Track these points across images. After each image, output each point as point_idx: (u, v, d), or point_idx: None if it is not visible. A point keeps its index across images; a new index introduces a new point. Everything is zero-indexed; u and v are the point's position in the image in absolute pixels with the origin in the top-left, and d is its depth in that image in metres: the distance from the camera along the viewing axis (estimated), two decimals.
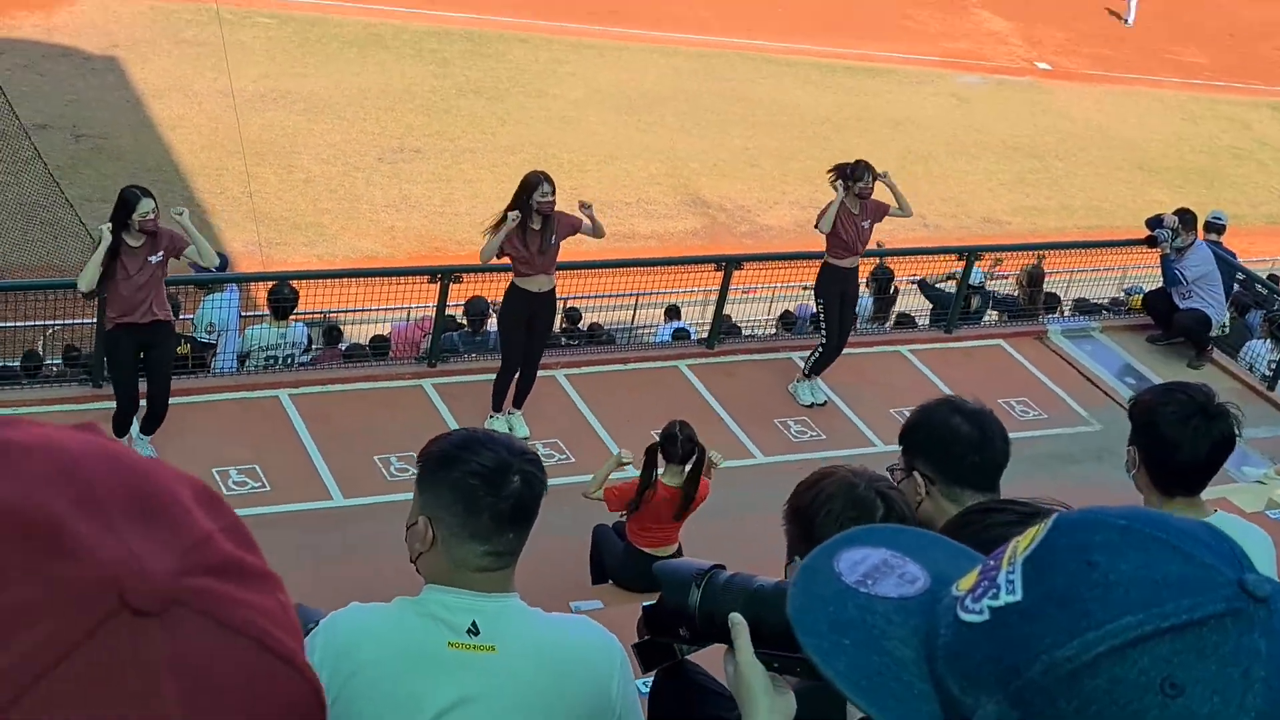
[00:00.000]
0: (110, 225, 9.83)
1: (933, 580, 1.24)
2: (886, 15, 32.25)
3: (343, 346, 13.33)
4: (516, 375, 11.56)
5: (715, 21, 29.84)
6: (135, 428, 10.59)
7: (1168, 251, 14.33)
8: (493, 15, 27.74)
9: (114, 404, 10.46)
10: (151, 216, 9.78)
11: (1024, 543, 1.16)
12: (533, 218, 10.91)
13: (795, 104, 27.05)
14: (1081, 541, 1.12)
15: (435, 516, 3.00)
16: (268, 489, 10.46)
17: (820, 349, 12.76)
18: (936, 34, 32.19)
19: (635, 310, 15.34)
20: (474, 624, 2.98)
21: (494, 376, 11.75)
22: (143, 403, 10.52)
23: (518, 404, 11.68)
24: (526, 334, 11.32)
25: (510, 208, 10.95)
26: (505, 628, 3.02)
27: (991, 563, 1.18)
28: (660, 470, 9.11)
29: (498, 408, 11.62)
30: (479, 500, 2.98)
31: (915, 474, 3.83)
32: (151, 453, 10.33)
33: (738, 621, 2.30)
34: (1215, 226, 16.07)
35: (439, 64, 25.66)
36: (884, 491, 3.26)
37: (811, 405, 12.77)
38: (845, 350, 13.03)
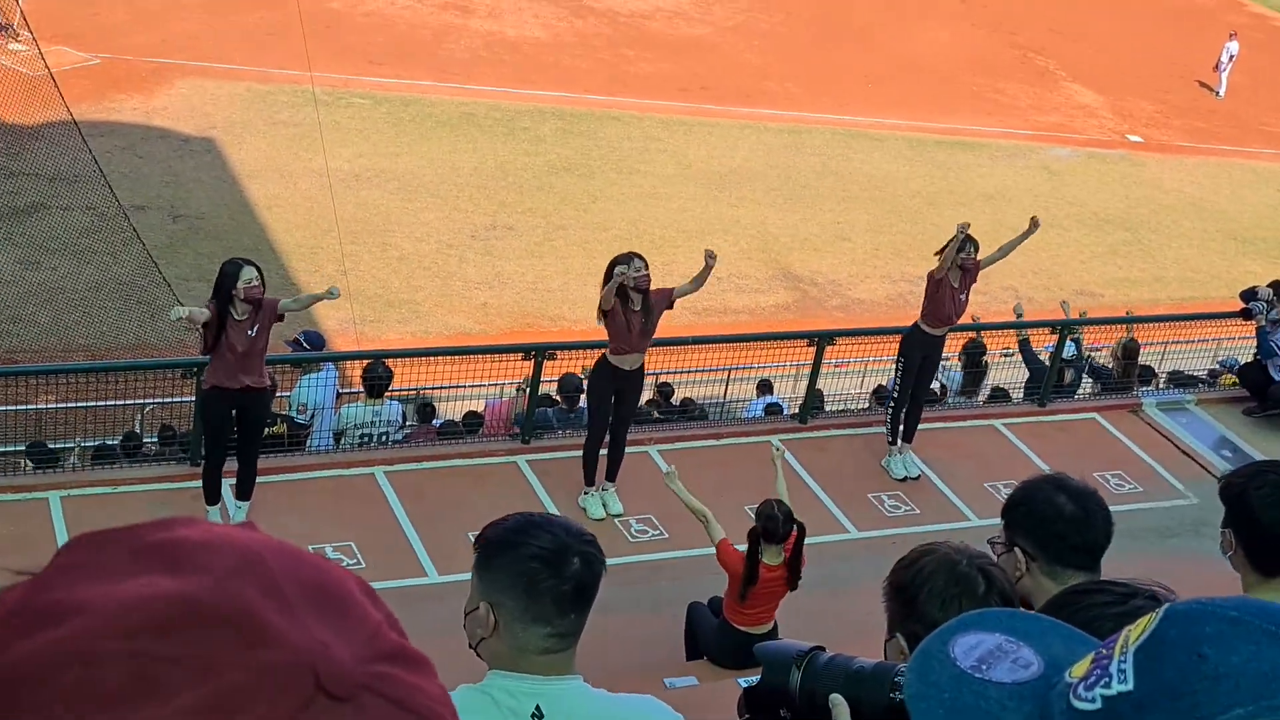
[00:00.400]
0: (211, 303, 9.98)
1: (1046, 666, 1.25)
2: (977, 89, 32.26)
3: (436, 423, 13.43)
4: (604, 448, 11.57)
5: (805, 97, 29.97)
6: (229, 498, 10.73)
7: (1263, 324, 14.16)
8: (584, 94, 28.04)
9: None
10: (255, 284, 9.90)
11: (1135, 632, 1.17)
12: (631, 297, 10.96)
13: (887, 178, 27.05)
14: (1192, 633, 1.13)
15: (496, 601, 3.00)
16: (363, 566, 10.52)
17: (890, 410, 12.70)
18: (1027, 107, 32.12)
19: (727, 385, 15.35)
20: (538, 708, 2.97)
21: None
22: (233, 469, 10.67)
23: (610, 477, 11.69)
24: (614, 406, 11.36)
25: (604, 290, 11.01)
26: (570, 711, 3.01)
27: (1104, 651, 1.19)
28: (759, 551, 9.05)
29: (589, 481, 11.62)
30: (540, 583, 2.98)
31: (1016, 550, 3.80)
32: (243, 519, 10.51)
33: (838, 702, 2.32)
34: None
35: (532, 142, 25.95)
36: (985, 568, 3.24)
37: (905, 479, 12.69)
38: (939, 424, 12.96)
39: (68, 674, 0.88)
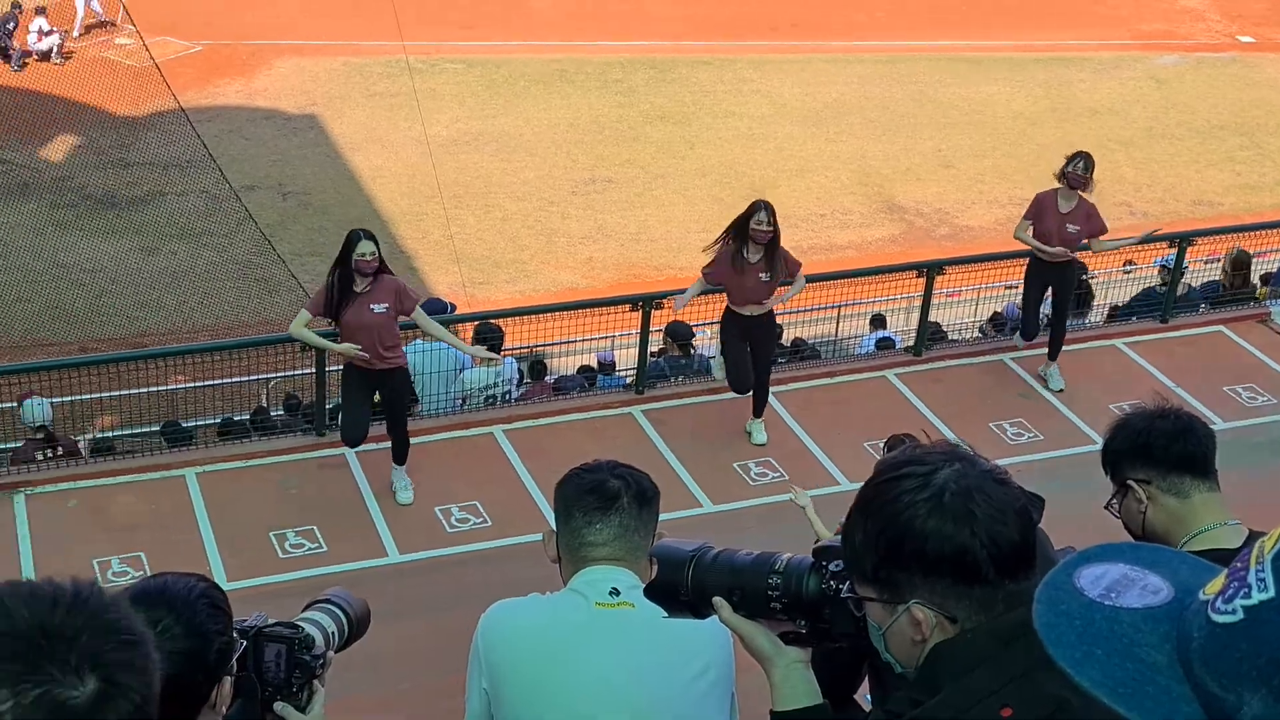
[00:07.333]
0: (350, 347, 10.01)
1: (1177, 590, 1.26)
2: (1075, 2, 31.61)
3: (550, 379, 13.47)
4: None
5: (896, 25, 29.59)
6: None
7: None
8: (674, 40, 27.91)
9: (338, 448, 10.80)
10: (369, 257, 9.86)
11: (1270, 542, 1.18)
12: (748, 246, 10.79)
13: (986, 101, 26.66)
14: None
15: (559, 529, 3.59)
16: (489, 524, 10.61)
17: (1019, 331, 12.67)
18: (1129, 16, 31.44)
19: (838, 322, 15.23)
20: (614, 589, 3.48)
21: (701, 400, 11.78)
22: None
23: (757, 412, 11.63)
24: (746, 347, 11.25)
25: (729, 232, 10.88)
26: (640, 598, 3.40)
27: (1239, 565, 1.19)
28: None
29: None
30: (575, 505, 3.53)
31: (1130, 485, 3.73)
32: (407, 485, 10.79)
33: (720, 604, 2.54)
34: None
35: (624, 93, 25.90)
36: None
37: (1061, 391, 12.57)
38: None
39: None
